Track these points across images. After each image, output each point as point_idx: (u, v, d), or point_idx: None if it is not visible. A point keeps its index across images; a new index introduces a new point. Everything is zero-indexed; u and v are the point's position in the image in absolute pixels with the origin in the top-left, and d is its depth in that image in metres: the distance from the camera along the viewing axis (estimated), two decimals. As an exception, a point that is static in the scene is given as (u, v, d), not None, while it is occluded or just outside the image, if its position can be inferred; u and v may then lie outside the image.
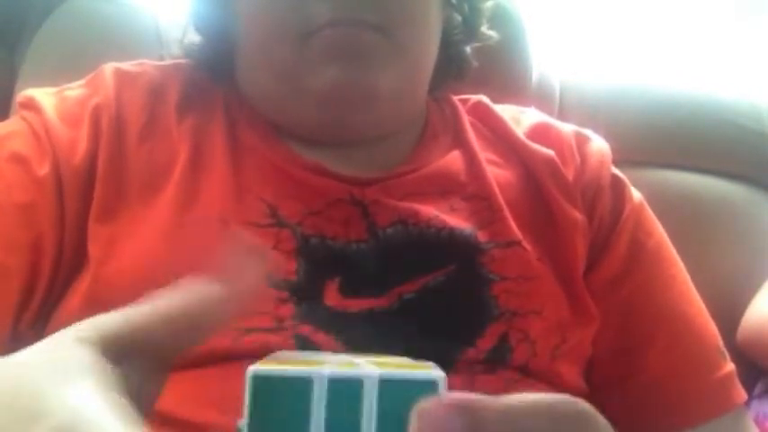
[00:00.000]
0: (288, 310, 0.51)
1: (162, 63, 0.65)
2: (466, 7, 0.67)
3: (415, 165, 0.60)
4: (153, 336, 0.26)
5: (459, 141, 0.64)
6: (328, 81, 0.55)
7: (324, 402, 0.27)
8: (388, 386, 0.28)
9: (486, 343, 0.53)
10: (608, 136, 0.69)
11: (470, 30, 0.68)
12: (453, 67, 0.69)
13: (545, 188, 0.61)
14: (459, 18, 0.67)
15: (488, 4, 0.69)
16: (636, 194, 0.66)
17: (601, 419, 0.24)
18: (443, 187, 0.59)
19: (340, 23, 0.54)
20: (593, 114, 0.99)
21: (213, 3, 0.63)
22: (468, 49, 0.69)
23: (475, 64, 0.70)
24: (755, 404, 0.95)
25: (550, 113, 0.75)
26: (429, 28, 0.61)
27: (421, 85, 0.64)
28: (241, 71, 0.63)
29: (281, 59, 0.57)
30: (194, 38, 0.66)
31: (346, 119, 0.59)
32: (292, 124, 0.60)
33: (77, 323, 0.27)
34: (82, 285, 0.51)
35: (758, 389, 0.96)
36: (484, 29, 0.70)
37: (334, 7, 0.53)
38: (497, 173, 0.61)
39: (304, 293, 0.51)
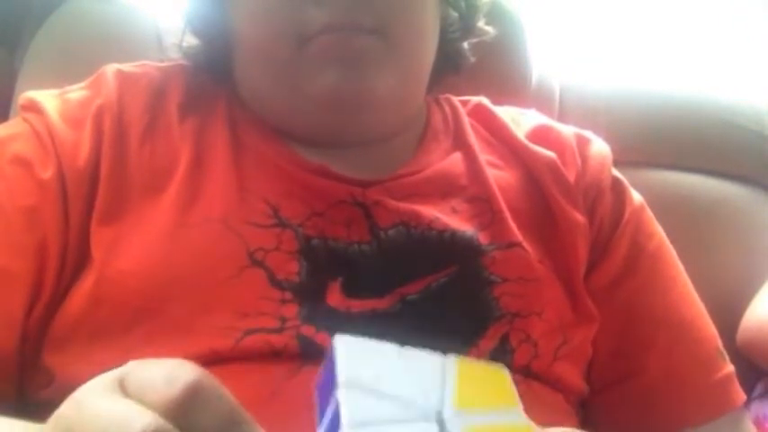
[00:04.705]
0: (291, 310, 0.51)
1: (163, 64, 0.65)
2: (462, 4, 0.67)
3: (417, 167, 0.60)
4: None
5: (460, 143, 0.64)
6: (326, 86, 0.55)
7: None
8: None
9: (487, 344, 0.53)
10: (608, 137, 0.69)
11: (467, 26, 0.68)
12: (450, 64, 0.69)
13: (546, 190, 0.61)
14: (455, 15, 0.67)
15: (485, 1, 0.69)
16: (636, 197, 0.66)
17: None
18: (444, 189, 0.59)
19: (336, 28, 0.54)
20: (593, 115, 0.99)
21: (210, 6, 0.63)
22: (465, 45, 0.69)
23: (472, 59, 0.70)
24: (755, 405, 0.95)
25: (550, 114, 0.75)
26: (426, 28, 0.61)
27: (419, 85, 0.64)
28: (240, 74, 0.63)
29: (279, 64, 0.57)
30: (193, 41, 0.66)
31: (346, 122, 0.59)
32: (292, 126, 0.60)
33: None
34: (85, 286, 0.51)
35: (758, 390, 0.96)
36: (480, 24, 0.69)
37: (331, 12, 0.53)
38: (498, 175, 0.62)
39: (306, 294, 0.52)
